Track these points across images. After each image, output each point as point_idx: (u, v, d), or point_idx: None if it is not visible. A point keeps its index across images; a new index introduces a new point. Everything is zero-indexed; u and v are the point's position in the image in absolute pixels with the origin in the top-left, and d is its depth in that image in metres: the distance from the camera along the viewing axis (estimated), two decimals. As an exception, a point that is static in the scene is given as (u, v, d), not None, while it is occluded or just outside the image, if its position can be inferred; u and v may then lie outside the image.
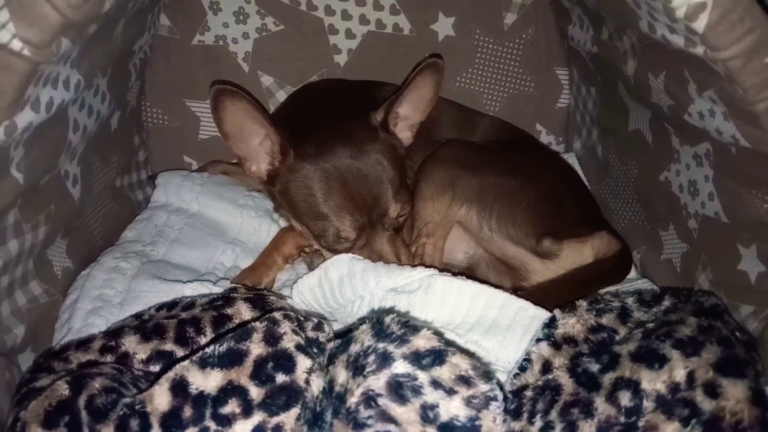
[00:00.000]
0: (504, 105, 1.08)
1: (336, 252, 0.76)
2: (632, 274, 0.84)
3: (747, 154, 0.56)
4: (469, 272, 0.85)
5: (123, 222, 0.92)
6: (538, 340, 0.61)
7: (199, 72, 1.01)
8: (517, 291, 0.77)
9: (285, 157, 0.75)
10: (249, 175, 0.81)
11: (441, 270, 0.73)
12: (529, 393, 0.56)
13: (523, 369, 0.60)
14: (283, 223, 0.91)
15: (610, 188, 0.95)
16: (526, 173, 0.85)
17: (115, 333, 0.59)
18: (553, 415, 0.53)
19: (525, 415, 0.54)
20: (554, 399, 0.54)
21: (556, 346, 0.60)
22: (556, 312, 0.63)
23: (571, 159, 1.06)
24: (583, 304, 0.63)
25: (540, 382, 0.56)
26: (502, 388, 0.58)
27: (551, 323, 0.62)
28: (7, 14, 0.43)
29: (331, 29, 1.01)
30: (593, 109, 0.98)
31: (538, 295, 0.71)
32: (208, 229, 0.93)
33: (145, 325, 0.59)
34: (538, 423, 0.53)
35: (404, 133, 0.83)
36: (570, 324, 0.61)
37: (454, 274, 0.71)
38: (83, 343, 0.58)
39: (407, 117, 0.81)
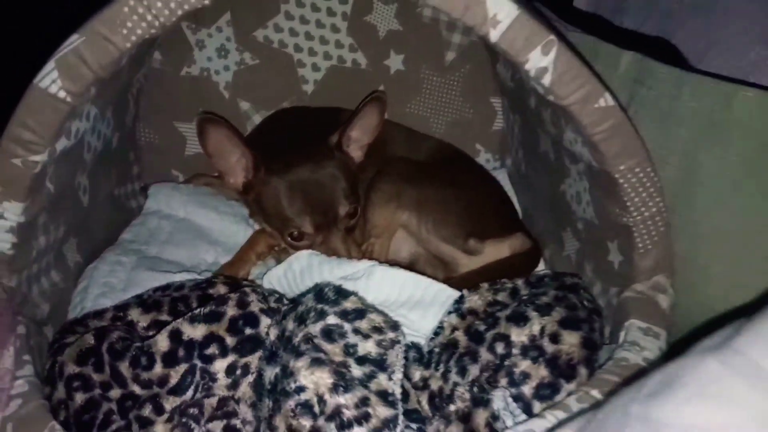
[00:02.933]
0: (448, 128, 1.27)
1: (299, 249, 0.94)
2: (540, 267, 1.05)
3: (599, 171, 0.77)
4: (411, 266, 1.04)
5: (121, 226, 1.09)
6: (449, 313, 0.80)
7: (186, 98, 1.18)
8: (447, 280, 0.96)
9: (257, 172, 0.94)
10: (228, 187, 1.00)
11: (386, 263, 0.92)
12: (437, 350, 0.76)
13: (437, 334, 0.79)
14: (256, 227, 1.10)
15: (531, 198, 1.15)
16: (458, 185, 1.06)
17: (122, 307, 0.77)
18: (451, 363, 0.72)
19: (432, 365, 0.74)
20: (453, 352, 0.73)
21: (462, 316, 0.79)
22: (465, 291, 0.83)
23: (503, 174, 1.26)
24: (485, 285, 0.83)
25: (445, 341, 0.76)
26: (418, 348, 0.78)
27: (460, 300, 0.82)
28: (56, 73, 0.62)
29: (299, 63, 1.20)
30: (518, 133, 1.18)
31: (459, 282, 0.91)
32: (193, 232, 1.11)
33: (145, 302, 0.77)
34: (441, 369, 0.72)
35: (356, 153, 1.03)
36: (473, 300, 0.80)
37: (393, 266, 0.91)
38: (98, 314, 0.76)
39: (358, 139, 1.01)
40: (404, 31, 1.18)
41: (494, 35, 0.63)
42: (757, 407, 0.29)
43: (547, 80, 0.66)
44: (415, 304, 0.85)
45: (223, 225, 1.12)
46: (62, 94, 0.62)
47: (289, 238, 0.96)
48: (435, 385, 0.72)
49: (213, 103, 1.18)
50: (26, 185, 0.67)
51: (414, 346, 0.79)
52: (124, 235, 1.06)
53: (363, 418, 0.56)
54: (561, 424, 0.49)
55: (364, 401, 0.57)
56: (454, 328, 0.77)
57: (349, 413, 0.56)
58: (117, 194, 1.10)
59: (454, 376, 0.70)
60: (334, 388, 0.57)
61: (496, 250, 1.01)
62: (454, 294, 0.84)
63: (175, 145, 1.23)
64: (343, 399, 0.57)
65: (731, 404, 0.30)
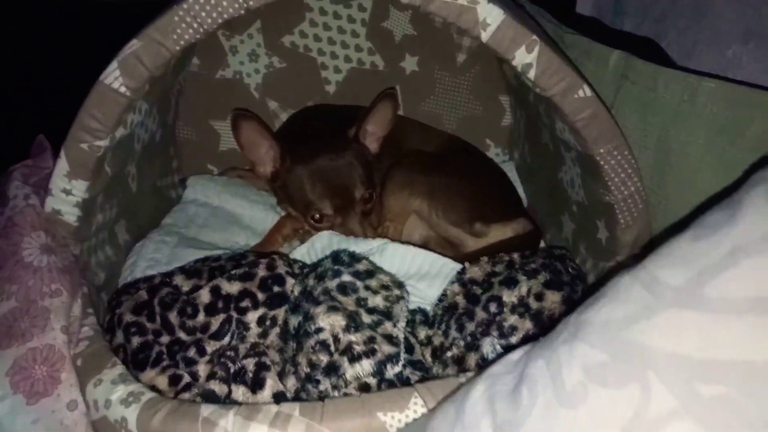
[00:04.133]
0: (460, 124, 1.39)
1: (320, 230, 1.06)
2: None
3: (584, 156, 0.87)
4: (422, 248, 1.15)
5: (162, 213, 1.22)
6: (452, 282, 0.91)
7: (221, 99, 1.31)
8: (455, 258, 1.07)
9: (283, 161, 1.07)
10: (258, 176, 1.13)
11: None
12: (440, 313, 0.87)
13: (441, 300, 0.90)
14: (282, 213, 1.23)
15: (534, 188, 1.26)
16: (466, 174, 1.17)
17: (167, 274, 0.89)
18: (452, 322, 0.83)
19: (436, 326, 0.85)
20: (453, 313, 0.84)
21: (463, 285, 0.89)
22: (466, 264, 0.94)
23: (511, 166, 1.37)
24: (485, 258, 0.93)
25: (447, 305, 0.87)
26: (424, 312, 0.89)
27: (462, 271, 0.93)
28: (118, 72, 0.75)
29: (323, 66, 1.33)
30: (524, 128, 1.29)
31: (465, 259, 1.02)
32: (227, 218, 1.24)
33: (187, 270, 0.89)
34: (443, 328, 0.83)
35: (372, 144, 1.14)
36: (474, 271, 0.91)
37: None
38: (147, 279, 0.89)
39: (373, 132, 1.13)
40: (418, 35, 1.29)
41: (485, 36, 0.75)
42: (645, 303, 0.39)
43: (532, 74, 0.78)
44: (423, 275, 0.96)
45: (254, 212, 1.25)
46: (123, 89, 0.76)
47: (311, 220, 1.08)
48: (437, 341, 0.83)
49: (244, 103, 1.30)
50: (91, 167, 0.80)
51: (421, 311, 0.90)
52: (166, 220, 1.20)
53: (370, 353, 0.68)
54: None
55: (371, 339, 0.69)
56: (456, 294, 0.88)
57: (358, 348, 0.68)
58: (159, 185, 1.24)
59: (453, 333, 0.81)
60: (347, 329, 0.69)
61: (500, 233, 1.12)
62: (458, 266, 0.95)
63: (211, 142, 1.36)
64: (354, 337, 0.68)
65: (629, 302, 0.40)
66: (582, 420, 0.38)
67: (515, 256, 0.92)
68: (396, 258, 0.96)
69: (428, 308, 0.92)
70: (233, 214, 1.25)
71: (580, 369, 0.40)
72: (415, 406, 0.61)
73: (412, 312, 0.88)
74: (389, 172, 1.16)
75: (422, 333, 0.86)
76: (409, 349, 0.79)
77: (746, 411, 0.32)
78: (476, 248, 1.11)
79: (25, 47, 1.42)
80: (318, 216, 1.06)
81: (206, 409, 0.62)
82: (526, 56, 0.75)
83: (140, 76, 0.75)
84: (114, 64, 0.74)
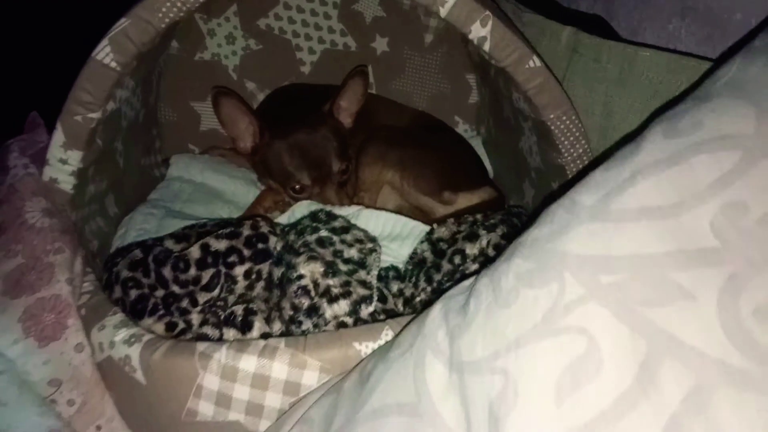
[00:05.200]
0: (429, 102, 1.48)
1: (299, 200, 1.15)
2: (504, 214, 1.25)
3: (537, 122, 0.97)
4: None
5: (147, 190, 1.30)
6: (422, 242, 1.01)
7: (200, 81, 1.37)
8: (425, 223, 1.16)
9: (263, 137, 1.15)
10: (239, 151, 1.21)
11: (372, 211, 1.12)
12: (410, 268, 0.96)
13: (411, 258, 1.00)
14: (262, 188, 1.31)
15: (499, 159, 1.36)
16: (434, 147, 1.26)
17: (158, 239, 0.97)
18: (421, 275, 0.92)
19: (407, 279, 0.95)
20: (422, 267, 0.93)
21: (431, 243, 1.00)
22: (434, 225, 1.03)
23: (478, 141, 1.46)
24: (451, 219, 1.03)
25: (416, 260, 0.96)
26: (397, 269, 0.98)
27: (431, 231, 1.02)
28: (109, 48, 0.83)
29: (297, 47, 1.41)
30: (488, 104, 1.39)
31: (434, 222, 1.11)
32: (210, 194, 1.31)
33: (177, 235, 0.98)
34: (413, 280, 0.93)
35: (346, 120, 1.23)
36: (441, 231, 1.01)
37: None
38: (139, 244, 0.97)
39: (346, 108, 1.21)
40: (387, 17, 1.38)
41: (443, 12, 0.84)
42: (565, 221, 0.49)
43: (487, 47, 0.87)
44: (395, 237, 1.05)
45: (235, 187, 1.33)
46: (113, 64, 0.84)
47: (291, 191, 1.16)
48: (408, 292, 0.92)
49: (223, 84, 1.38)
50: (84, 138, 0.88)
51: (393, 268, 1.00)
52: (152, 195, 1.27)
53: (346, 294, 0.77)
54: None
55: (347, 283, 0.78)
56: (424, 251, 0.98)
57: (336, 290, 0.77)
58: (143, 163, 1.31)
59: (422, 283, 0.91)
60: (325, 274, 0.78)
61: (467, 200, 1.21)
62: (426, 228, 1.04)
63: (191, 122, 1.43)
64: (331, 281, 0.77)
65: (553, 223, 0.50)
66: (514, 314, 0.48)
67: (478, 216, 1.02)
68: (370, 221, 1.05)
69: (400, 266, 1.01)
70: (216, 189, 1.33)
71: (514, 277, 0.50)
72: (386, 337, 0.71)
73: (386, 269, 0.98)
74: (363, 146, 1.25)
75: (395, 286, 0.95)
76: (383, 299, 0.88)
77: (633, 290, 0.42)
78: (445, 215, 1.21)
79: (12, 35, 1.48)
80: (297, 187, 1.15)
81: (201, 345, 0.71)
82: (481, 30, 0.85)
83: (129, 51, 0.83)
84: (105, 41, 0.82)
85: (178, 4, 0.81)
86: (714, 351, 0.38)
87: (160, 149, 1.41)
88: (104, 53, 0.83)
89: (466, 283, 0.60)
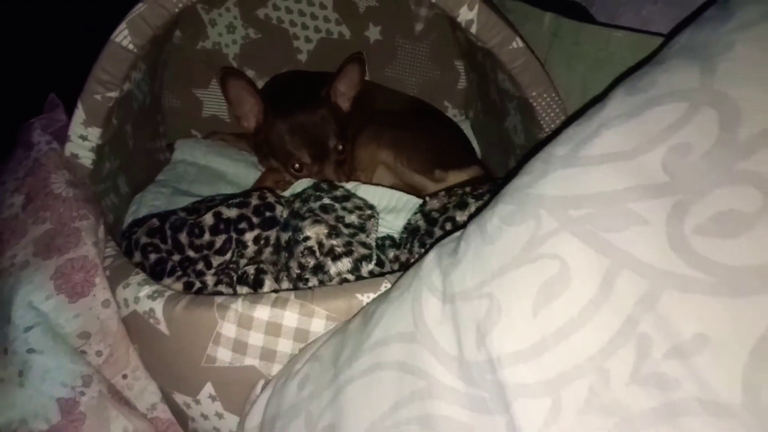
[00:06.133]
0: (420, 88, 1.55)
1: (300, 178, 1.22)
2: (492, 189, 1.33)
3: (521, 100, 1.05)
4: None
5: (153, 173, 1.37)
6: (415, 213, 1.09)
7: (202, 69, 1.45)
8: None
9: (266, 117, 1.22)
10: (242, 129, 1.28)
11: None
12: (405, 236, 1.04)
13: (406, 228, 1.08)
14: (262, 169, 1.38)
15: (487, 141, 1.43)
16: (426, 129, 1.34)
17: (170, 211, 1.05)
18: (415, 241, 1.00)
19: (401, 246, 1.02)
20: (416, 234, 1.01)
21: (424, 214, 1.08)
22: (427, 198, 1.11)
23: (467, 125, 1.54)
24: (442, 192, 1.11)
25: (410, 229, 1.04)
26: (392, 238, 1.06)
27: (423, 204, 1.10)
28: (126, 31, 0.90)
29: (294, 36, 1.48)
30: (476, 88, 1.46)
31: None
32: (213, 175, 1.38)
33: (188, 208, 1.05)
34: (408, 247, 1.01)
35: (343, 104, 1.30)
36: (433, 203, 1.08)
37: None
38: (155, 214, 1.04)
39: (344, 92, 1.29)
40: (380, 6, 1.45)
41: (433, -3, 0.92)
42: (542, 170, 0.57)
43: (474, 29, 0.95)
44: (391, 209, 1.13)
45: (237, 169, 1.40)
46: (131, 46, 0.91)
47: (291, 170, 1.24)
48: (403, 257, 1.00)
49: (224, 73, 1.45)
50: (103, 116, 0.95)
51: (389, 237, 1.07)
52: (159, 177, 1.34)
53: (348, 253, 0.84)
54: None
55: (349, 243, 0.86)
56: (418, 221, 1.05)
57: (339, 249, 0.84)
58: (150, 147, 1.38)
59: (416, 249, 0.98)
60: (329, 236, 0.85)
61: (456, 178, 1.29)
62: (420, 201, 1.12)
63: (194, 108, 1.50)
64: (335, 242, 0.85)
65: (532, 172, 0.58)
66: (498, 249, 0.55)
67: (467, 188, 1.10)
68: (367, 196, 1.13)
69: (395, 235, 1.09)
70: (219, 171, 1.40)
71: (498, 218, 0.57)
72: (386, 288, 0.78)
73: (382, 239, 1.05)
74: (359, 129, 1.33)
75: (391, 253, 1.03)
76: (380, 264, 0.96)
77: (598, 220, 0.50)
78: (436, 191, 1.29)
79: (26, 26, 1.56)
80: (297, 165, 1.22)
81: (219, 299, 0.78)
82: (468, 13, 0.92)
83: (145, 34, 0.90)
84: (123, 25, 0.89)
85: (190, -10, 0.89)
86: (662, 263, 0.45)
87: (164, 134, 1.47)
88: (122, 36, 0.90)
89: (457, 234, 0.68)
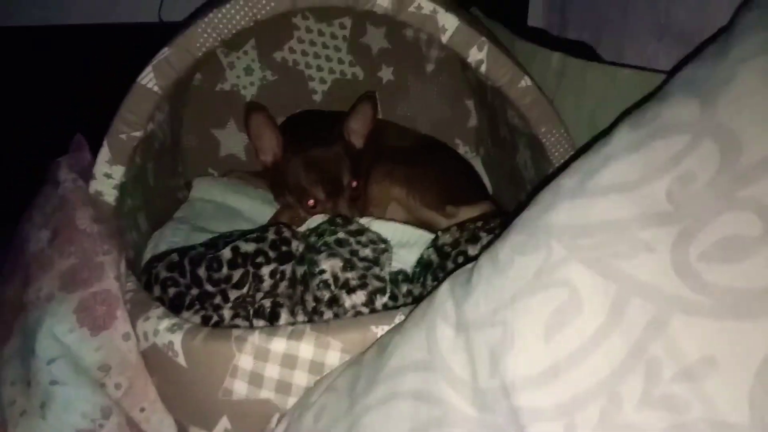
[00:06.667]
0: (432, 127, 1.59)
1: (314, 214, 1.25)
2: (504, 224, 1.35)
3: (531, 136, 1.08)
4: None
5: (172, 210, 1.41)
6: (428, 248, 1.11)
7: (220, 110, 1.50)
8: (430, 233, 1.26)
9: (284, 152, 1.26)
10: (259, 163, 1.31)
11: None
12: (418, 270, 1.06)
13: (419, 262, 1.09)
14: (278, 206, 1.41)
15: (498, 177, 1.46)
16: (437, 165, 1.37)
17: (189, 247, 1.07)
18: (427, 275, 1.02)
19: (414, 280, 1.04)
20: (428, 269, 1.03)
21: (436, 249, 1.09)
22: (439, 233, 1.13)
23: (478, 161, 1.57)
24: (454, 227, 1.13)
25: (423, 263, 1.06)
26: (405, 273, 1.08)
27: (436, 239, 1.12)
28: (153, 74, 0.94)
29: (310, 77, 1.53)
30: (486, 126, 1.50)
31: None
32: (230, 212, 1.41)
33: (206, 244, 1.07)
34: (421, 281, 1.02)
35: (357, 141, 1.34)
36: (445, 237, 1.10)
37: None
38: (175, 249, 1.07)
39: (357, 130, 1.33)
40: (392, 48, 1.51)
41: (444, 39, 0.95)
42: (551, 200, 0.59)
43: (484, 69, 0.98)
44: (404, 244, 1.15)
45: (253, 206, 1.43)
46: (156, 88, 0.95)
47: (306, 206, 1.27)
48: (416, 291, 1.01)
49: (241, 113, 1.49)
50: (128, 155, 0.98)
51: (402, 272, 1.09)
52: (177, 214, 1.37)
53: (363, 286, 0.86)
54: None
55: (363, 276, 0.88)
56: (430, 255, 1.07)
57: (354, 282, 0.86)
58: (169, 185, 1.42)
59: (429, 283, 1.00)
60: (344, 269, 0.88)
61: (468, 214, 1.31)
62: (432, 236, 1.14)
63: (211, 148, 1.55)
64: (350, 275, 0.87)
65: (542, 203, 0.60)
66: (510, 278, 0.57)
67: (479, 223, 1.12)
68: (380, 231, 1.15)
69: (408, 270, 1.10)
70: (235, 208, 1.43)
71: (509, 248, 0.59)
72: (400, 320, 0.80)
73: (395, 273, 1.07)
74: (372, 165, 1.36)
75: (404, 288, 1.05)
76: (394, 298, 0.98)
77: (606, 248, 0.52)
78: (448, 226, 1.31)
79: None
80: (312, 201, 1.25)
81: (237, 331, 0.80)
82: (478, 54, 0.96)
83: (169, 76, 0.95)
84: (149, 68, 0.94)
85: (214, 35, 0.93)
86: (669, 289, 0.47)
87: (182, 173, 1.52)
88: (148, 78, 0.94)
89: (469, 265, 0.70)
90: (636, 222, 0.51)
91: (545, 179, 0.76)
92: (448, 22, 0.95)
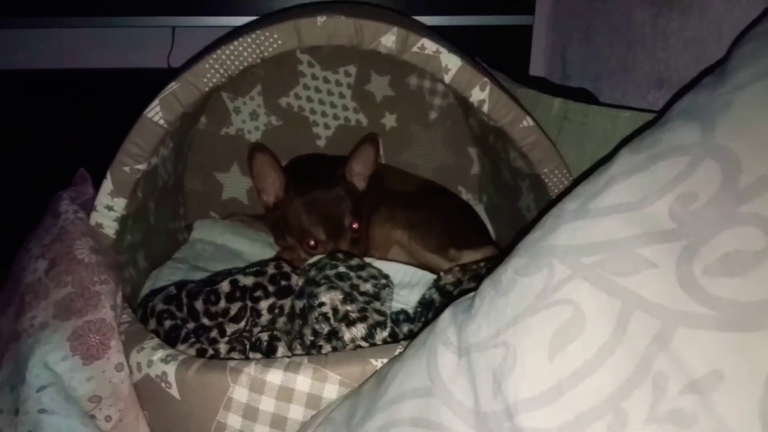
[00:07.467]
0: (434, 174, 1.61)
1: (315, 256, 1.25)
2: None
3: (532, 177, 1.09)
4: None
5: (171, 252, 1.41)
6: (430, 288, 1.10)
7: (224, 153, 1.53)
8: (432, 278, 1.26)
9: (286, 193, 1.27)
10: (262, 203, 1.32)
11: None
12: (419, 309, 1.05)
13: (420, 302, 1.09)
14: (278, 249, 1.41)
15: (501, 222, 1.47)
16: (440, 209, 1.38)
17: (189, 280, 1.07)
18: (429, 315, 1.01)
19: (416, 320, 1.03)
20: (430, 308, 1.02)
21: (438, 288, 1.09)
22: (441, 273, 1.13)
23: (480, 208, 1.58)
24: (456, 268, 1.13)
25: (425, 302, 1.05)
26: (407, 313, 1.07)
27: (438, 279, 1.12)
28: (159, 107, 0.97)
29: (314, 123, 1.56)
30: (490, 173, 1.52)
31: (440, 274, 1.21)
32: (230, 254, 1.42)
33: (204, 280, 1.07)
34: (422, 320, 1.01)
35: (359, 183, 1.35)
36: (448, 278, 1.10)
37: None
38: (173, 283, 1.06)
39: (359, 172, 1.34)
40: (396, 96, 1.54)
41: (447, 79, 0.98)
42: (554, 223, 0.59)
43: (486, 108, 1.01)
44: (405, 284, 1.15)
45: (254, 248, 1.44)
46: (162, 121, 0.97)
47: (306, 247, 1.27)
48: (417, 330, 1.00)
49: (245, 157, 1.52)
50: (130, 188, 0.99)
51: (404, 312, 1.08)
52: (177, 254, 1.37)
53: (363, 318, 0.85)
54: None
55: (363, 310, 0.87)
56: (432, 295, 1.07)
57: (353, 315, 0.85)
58: (169, 227, 1.42)
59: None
60: (344, 301, 0.87)
61: (470, 257, 1.31)
62: (434, 276, 1.14)
63: (214, 191, 1.56)
64: (350, 307, 0.86)
65: (544, 227, 0.60)
66: (512, 299, 0.57)
67: (481, 263, 1.12)
68: (382, 270, 1.15)
69: (410, 310, 1.09)
70: (236, 250, 1.44)
71: (512, 271, 0.59)
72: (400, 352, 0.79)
73: (396, 313, 1.06)
74: (374, 208, 1.37)
75: (405, 328, 1.03)
76: (394, 337, 0.96)
77: (609, 266, 0.52)
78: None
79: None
80: (312, 242, 1.25)
81: (232, 362, 0.79)
82: (480, 94, 0.98)
83: (176, 111, 0.97)
84: (156, 101, 0.96)
85: (221, 71, 0.96)
86: (673, 303, 0.47)
87: (184, 215, 1.53)
88: (154, 112, 0.96)
89: (471, 293, 0.69)
90: (639, 240, 0.51)
91: (547, 205, 0.77)
92: (451, 62, 0.97)
